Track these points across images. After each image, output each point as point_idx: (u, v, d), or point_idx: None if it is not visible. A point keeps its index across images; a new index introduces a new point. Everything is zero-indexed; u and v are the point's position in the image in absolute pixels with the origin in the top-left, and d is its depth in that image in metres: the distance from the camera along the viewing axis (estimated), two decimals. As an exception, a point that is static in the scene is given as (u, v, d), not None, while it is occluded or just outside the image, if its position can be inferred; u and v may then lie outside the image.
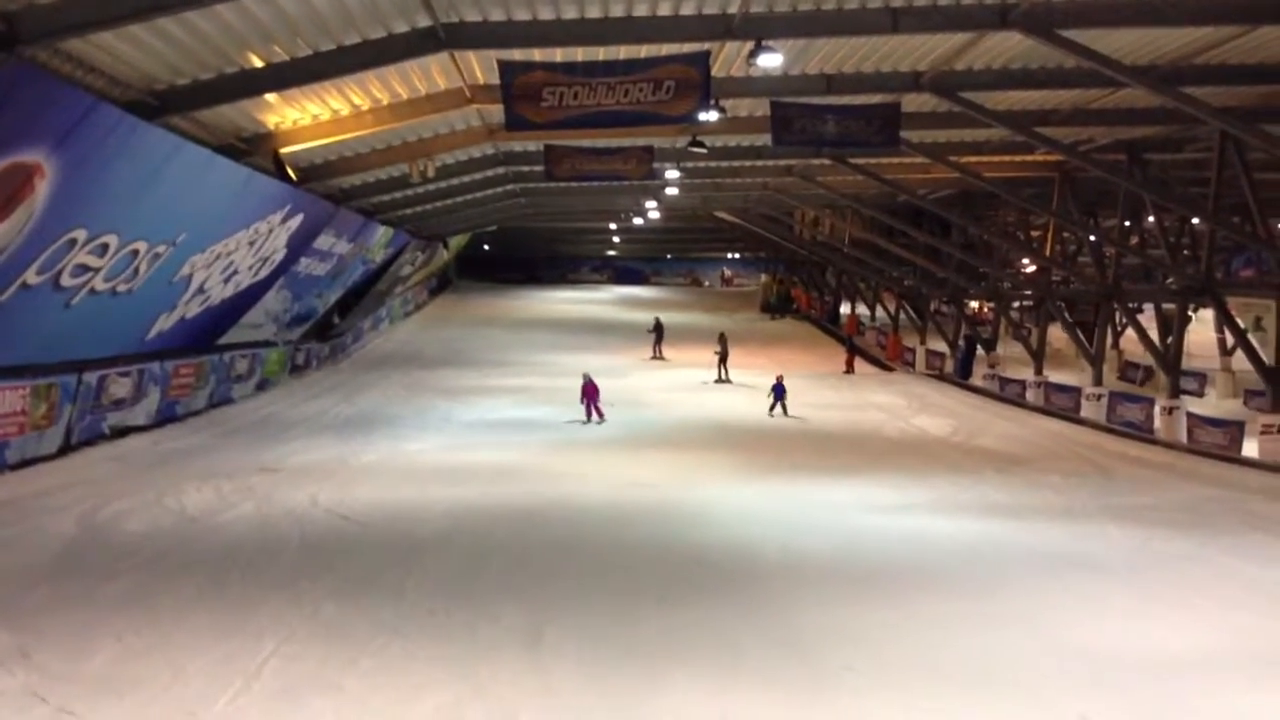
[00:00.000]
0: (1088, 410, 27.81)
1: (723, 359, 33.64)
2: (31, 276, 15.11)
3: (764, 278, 61.81)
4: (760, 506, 16.18)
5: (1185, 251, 31.86)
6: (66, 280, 16.04)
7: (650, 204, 40.42)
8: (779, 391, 26.64)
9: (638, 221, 49.32)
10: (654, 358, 39.15)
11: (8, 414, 16.68)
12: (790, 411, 27.01)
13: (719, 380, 33.13)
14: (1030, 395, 30.95)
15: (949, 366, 37.12)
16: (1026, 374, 32.28)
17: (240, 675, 8.39)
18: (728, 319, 48.64)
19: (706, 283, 70.33)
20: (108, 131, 13.92)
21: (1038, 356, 32.22)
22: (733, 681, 8.34)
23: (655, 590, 11.11)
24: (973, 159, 26.90)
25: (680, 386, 31.97)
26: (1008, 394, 32.00)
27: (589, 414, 24.65)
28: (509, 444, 21.50)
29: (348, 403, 27.37)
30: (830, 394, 31.49)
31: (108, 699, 7.77)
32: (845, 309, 50.58)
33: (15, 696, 7.83)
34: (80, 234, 15.41)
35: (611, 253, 70.39)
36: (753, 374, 34.42)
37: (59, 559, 12.16)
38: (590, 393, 24.89)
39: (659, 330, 40.52)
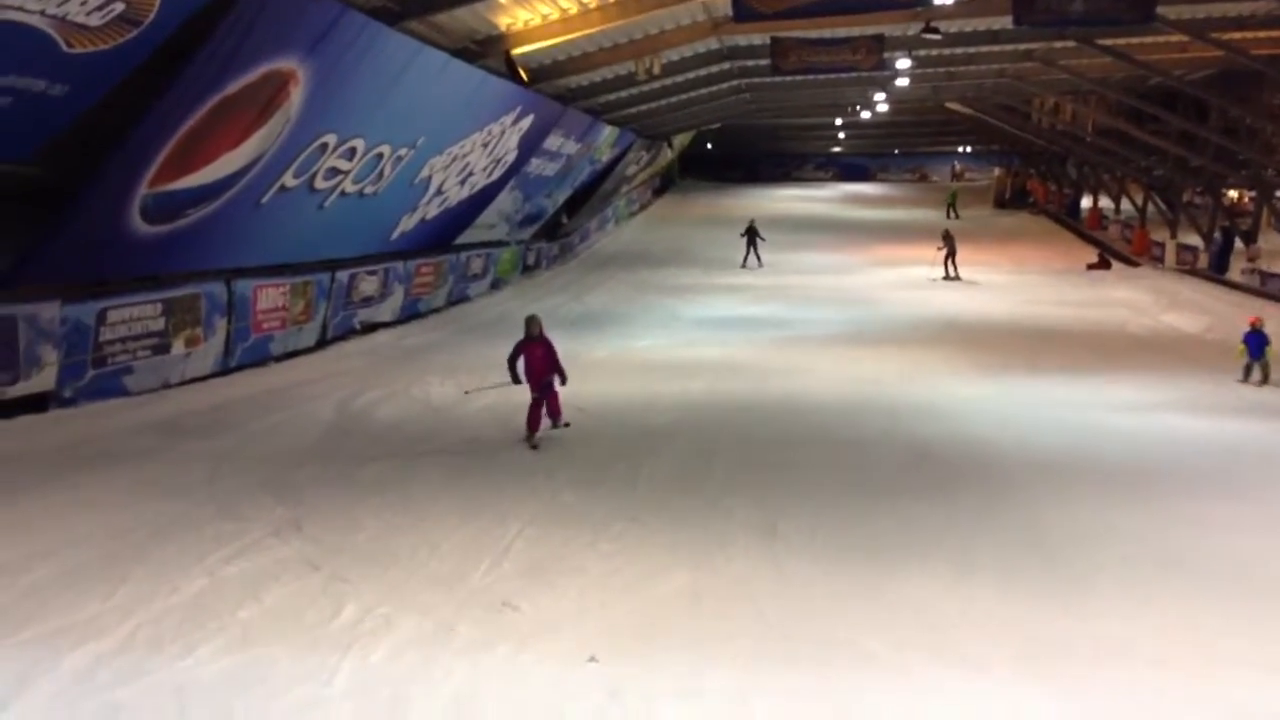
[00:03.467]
0: (1361, 306, 25.62)
1: (950, 255, 32.55)
2: (289, 179, 16.04)
3: (997, 171, 59.25)
4: (995, 404, 15.75)
5: None
6: (320, 183, 16.95)
7: (878, 97, 39.18)
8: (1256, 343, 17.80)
9: (864, 116, 47.96)
10: (947, 277, 32.33)
11: (271, 309, 17.91)
12: (1026, 307, 26.01)
13: (947, 277, 32.17)
14: (1293, 290, 28.72)
15: (1202, 261, 34.81)
16: (1290, 268, 29.96)
17: (490, 553, 8.86)
18: (955, 218, 46.99)
19: (935, 179, 68.02)
20: (353, 38, 14.50)
21: (1304, 249, 29.81)
22: (969, 577, 8.23)
23: (887, 486, 11.03)
24: (1236, 35, 24.79)
25: (908, 284, 31.25)
26: (1269, 289, 29.79)
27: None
28: (734, 340, 21.59)
29: (577, 301, 28.03)
30: (1071, 291, 30.14)
31: (373, 569, 8.37)
32: (1086, 202, 48.03)
33: (293, 563, 8.54)
34: (331, 138, 16.21)
35: (836, 149, 68.75)
36: (984, 270, 33.29)
37: (321, 442, 13.08)
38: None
39: (950, 242, 32.95)
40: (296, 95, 14.48)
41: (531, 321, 13.06)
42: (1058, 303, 27.64)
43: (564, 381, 13.04)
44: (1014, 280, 32.25)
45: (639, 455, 12.27)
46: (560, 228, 35.82)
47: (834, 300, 27.73)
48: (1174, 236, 37.69)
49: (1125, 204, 44.54)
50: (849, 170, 68.53)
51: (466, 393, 14.67)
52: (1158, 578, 8.11)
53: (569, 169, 30.34)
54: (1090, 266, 35.80)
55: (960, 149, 67.69)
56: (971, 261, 33.76)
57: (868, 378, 17.69)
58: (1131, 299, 28.50)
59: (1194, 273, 34.04)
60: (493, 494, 10.78)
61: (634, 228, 46.36)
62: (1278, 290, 29.47)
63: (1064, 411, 15.27)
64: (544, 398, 12.91)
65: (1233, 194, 37.35)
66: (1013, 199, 53.18)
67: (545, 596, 7.73)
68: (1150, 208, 40.65)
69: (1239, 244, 34.28)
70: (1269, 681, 6.03)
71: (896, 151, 68.76)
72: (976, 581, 8.11)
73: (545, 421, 13.09)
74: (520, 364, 12.96)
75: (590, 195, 36.22)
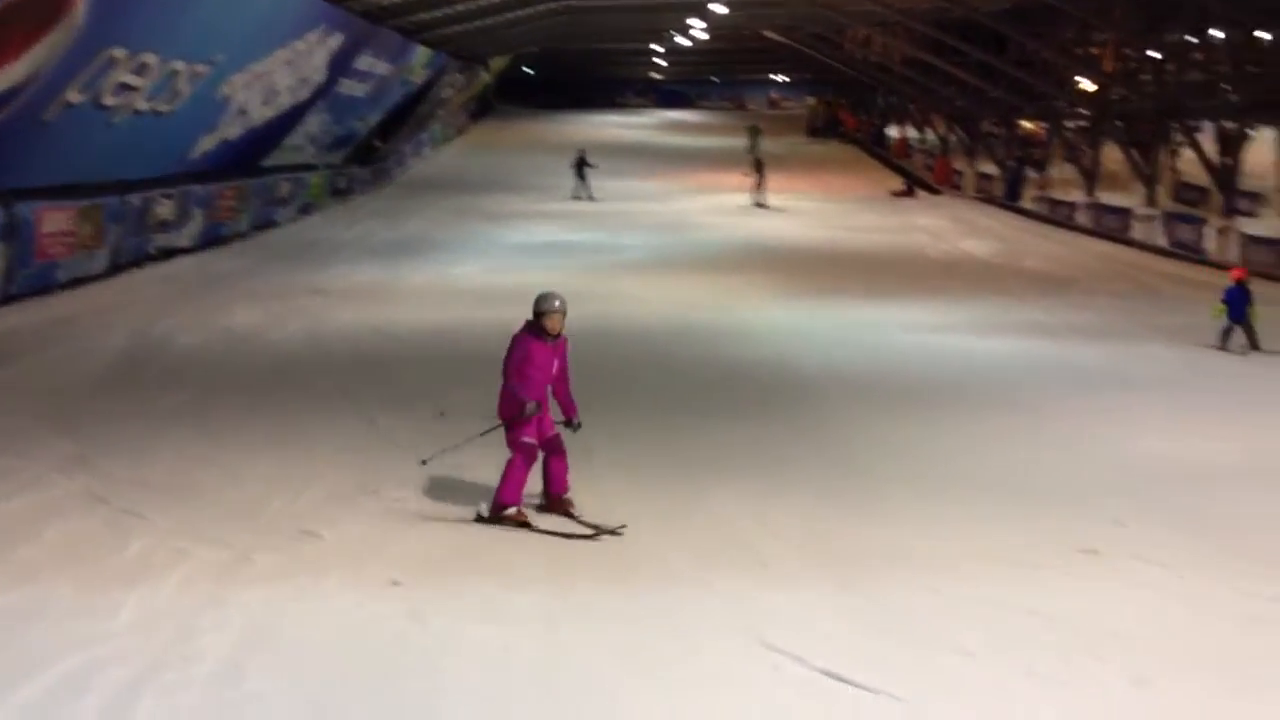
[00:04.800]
0: (1138, 231, 27.31)
1: (760, 182, 32.91)
2: (74, 95, 15.08)
3: (810, 101, 60.36)
4: (805, 326, 16.21)
5: (1249, 67, 30.62)
6: (108, 99, 16.00)
7: (696, 23, 39.29)
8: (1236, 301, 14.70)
9: (682, 42, 48.03)
10: (759, 205, 32.42)
11: (57, 234, 16.88)
12: (833, 233, 26.76)
13: (759, 205, 32.62)
14: (1080, 217, 30.39)
15: (998, 189, 36.42)
16: (1077, 196, 31.64)
17: (294, 482, 8.64)
18: (772, 142, 47.77)
19: (752, 107, 68.83)
20: (142, -55, 13.68)
21: (1090, 178, 31.50)
22: (778, 493, 8.45)
23: (701, 408, 11.23)
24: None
25: (724, 211, 31.68)
26: (1057, 216, 31.44)
27: None
28: (553, 267, 21.51)
29: (391, 227, 27.41)
30: (877, 218, 31.10)
31: (167, 502, 8.05)
32: (893, 132, 49.48)
33: (78, 498, 8.14)
34: (120, 53, 15.29)
35: (655, 76, 68.79)
36: (796, 198, 33.99)
37: (112, 373, 12.48)
38: None
39: (760, 169, 33.14)
40: (81, 7, 13.57)
41: (549, 306, 7.69)
42: (864, 229, 28.50)
43: (577, 424, 7.91)
44: (824, 207, 33.05)
45: (450, 382, 12.13)
46: (374, 152, 34.84)
47: (653, 227, 27.89)
48: (973, 166, 39.25)
49: (929, 133, 46.10)
50: (669, 97, 68.61)
51: (424, 462, 8.33)
52: (946, 488, 8.50)
53: (381, 91, 29.47)
54: (895, 194, 36.98)
55: (776, 78, 68.61)
56: (783, 189, 34.42)
57: (684, 302, 17.93)
58: (933, 225, 29.60)
59: (990, 200, 35.60)
60: (300, 422, 10.51)
61: (452, 153, 45.46)
62: (1064, 217, 31.14)
63: (868, 333, 15.84)
64: (548, 448, 7.78)
65: (1027, 125, 38.97)
66: (825, 128, 54.33)
67: (349, 524, 7.60)
68: (952, 138, 42.18)
69: (1031, 173, 35.98)
70: (1035, 577, 6.43)
71: (714, 79, 69.20)
72: (784, 497, 8.34)
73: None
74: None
75: (405, 119, 35.31)
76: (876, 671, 5.10)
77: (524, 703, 4.96)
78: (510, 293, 18.33)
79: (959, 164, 40.17)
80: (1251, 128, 27.90)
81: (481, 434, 8.14)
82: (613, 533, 7.33)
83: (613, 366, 13.00)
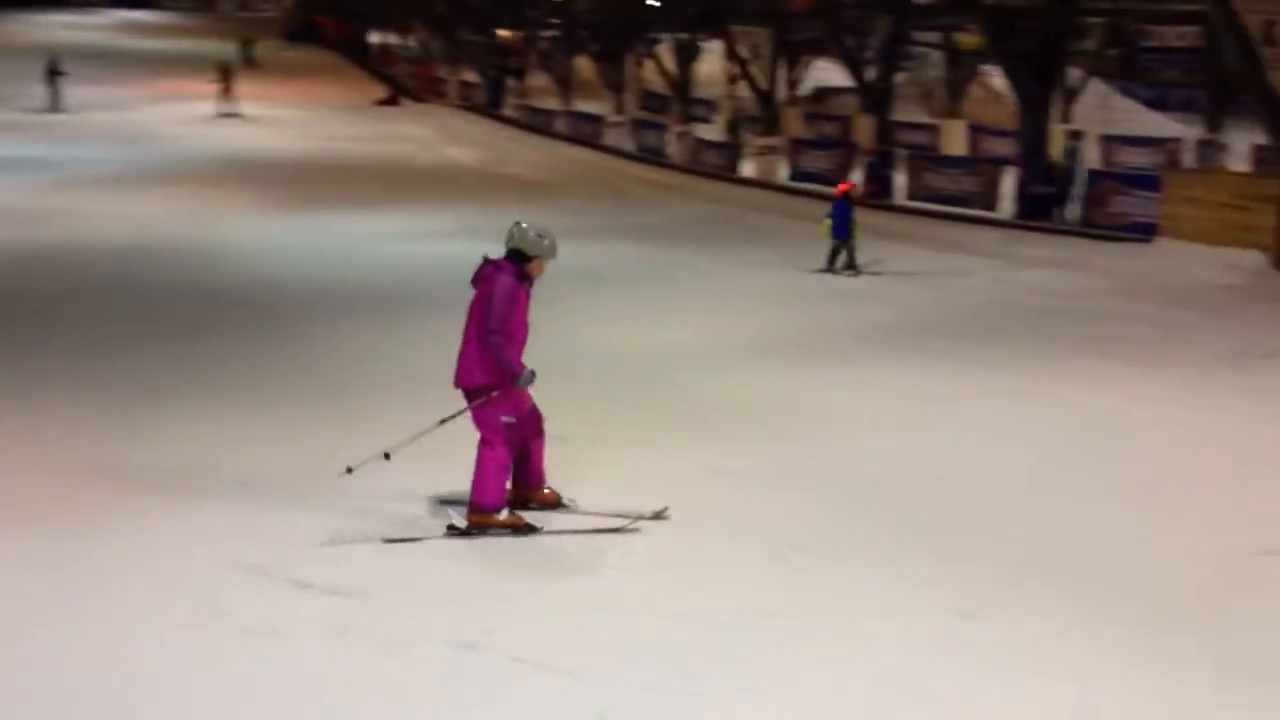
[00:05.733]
0: (610, 137, 29.01)
1: (228, 89, 31.19)
2: None
3: (286, 2, 57.72)
4: (284, 240, 15.71)
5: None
6: None
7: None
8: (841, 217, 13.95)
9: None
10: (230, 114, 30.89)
11: None
12: (317, 143, 26.01)
13: (229, 115, 30.80)
14: (558, 124, 31.75)
15: (481, 97, 37.08)
16: (554, 104, 32.97)
17: None
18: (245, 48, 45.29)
19: (224, 8, 64.60)
20: None
21: (565, 86, 32.92)
22: (258, 408, 8.21)
23: (171, 330, 10.56)
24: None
25: (193, 120, 29.71)
26: (537, 124, 32.63)
27: None
28: (6, 186, 19.20)
29: None
30: (361, 127, 30.59)
31: None
32: (375, 38, 48.63)
33: None
34: None
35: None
36: (274, 106, 32.58)
37: None
38: None
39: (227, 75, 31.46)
40: None
41: (542, 249, 5.95)
42: (349, 138, 27.95)
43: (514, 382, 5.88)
44: (305, 116, 31.97)
45: None
46: None
47: (111, 138, 25.60)
48: (455, 73, 39.58)
49: (412, 41, 45.82)
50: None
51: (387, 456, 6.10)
52: (426, 390, 8.62)
53: None
54: (379, 102, 36.54)
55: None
56: (260, 97, 32.86)
57: (151, 220, 16.70)
58: (418, 134, 29.65)
59: (474, 108, 36.21)
60: None
61: None
62: (544, 124, 32.40)
63: (354, 244, 15.63)
64: (527, 428, 6.06)
65: (505, 33, 39.82)
66: (303, 32, 52.25)
67: None
68: (434, 45, 42.23)
69: (511, 81, 36.95)
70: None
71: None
72: (263, 413, 8.12)
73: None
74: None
75: None
76: (338, 569, 5.15)
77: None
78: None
79: (442, 72, 40.36)
80: (702, 40, 30.44)
81: (443, 420, 6.05)
82: (659, 516, 5.80)
83: (79, 292, 11.89)
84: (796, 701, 4.11)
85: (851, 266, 13.70)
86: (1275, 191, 12.92)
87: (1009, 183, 17.81)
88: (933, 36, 28.09)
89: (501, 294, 5.75)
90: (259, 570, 5.26)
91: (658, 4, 30.79)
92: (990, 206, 17.75)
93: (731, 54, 27.60)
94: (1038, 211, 16.85)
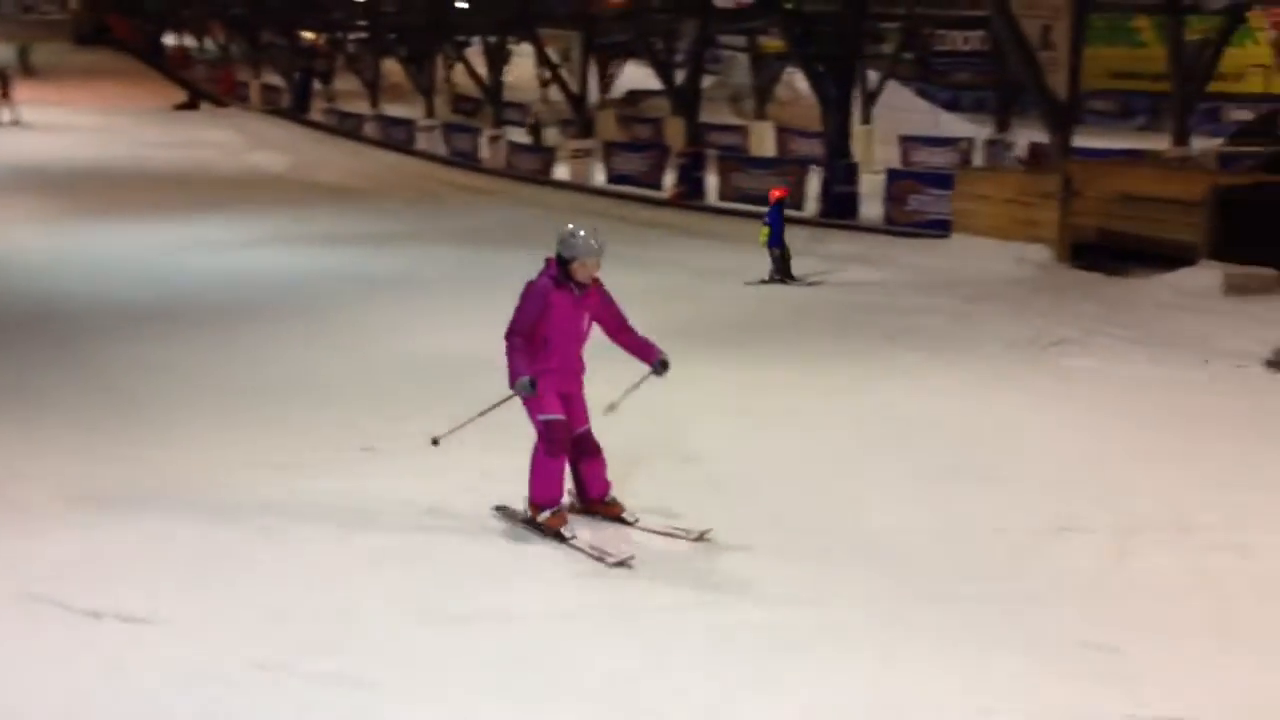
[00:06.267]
0: (422, 142, 28.63)
1: (4, 96, 29.54)
2: None
3: (73, 4, 54.86)
4: (76, 254, 14.97)
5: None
6: None
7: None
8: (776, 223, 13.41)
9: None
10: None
11: None
12: (113, 150, 24.84)
13: (12, 123, 29.15)
14: (368, 129, 31.14)
15: (286, 101, 36.07)
16: (364, 108, 32.33)
17: None
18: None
19: (8, 9, 60.88)
20: None
21: (374, 89, 32.31)
22: (40, 422, 7.81)
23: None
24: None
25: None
26: (346, 128, 31.92)
27: None
28: None
29: None
30: (158, 132, 29.42)
31: None
32: (170, 40, 46.74)
33: None
34: None
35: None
36: (64, 113, 30.98)
37: None
38: None
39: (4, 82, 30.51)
40: None
41: (584, 248, 5.64)
42: (147, 144, 26.84)
43: (659, 364, 5.74)
44: (98, 122, 30.53)
45: None
46: None
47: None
48: (258, 77, 38.40)
49: (210, 43, 44.25)
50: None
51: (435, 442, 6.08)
52: (230, 403, 8.34)
53: None
54: (179, 107, 35.19)
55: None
56: (51, 102, 31.22)
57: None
58: (221, 139, 28.67)
59: (279, 112, 35.18)
60: None
61: None
62: (353, 129, 31.72)
63: (152, 254, 15.01)
64: (579, 448, 5.77)
65: (309, 35, 38.82)
66: (94, 34, 49.75)
67: None
68: (233, 47, 40.87)
69: (318, 85, 36.08)
70: (310, 477, 6.59)
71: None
72: (47, 425, 7.74)
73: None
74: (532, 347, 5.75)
75: None
76: (150, 601, 4.93)
77: None
78: None
79: (243, 75, 39.09)
80: (513, 44, 30.33)
81: (483, 412, 5.90)
82: (701, 538, 5.50)
83: None
84: (608, 696, 4.14)
85: (787, 275, 13.19)
86: (1055, 189, 13.70)
87: (815, 182, 18.36)
88: (739, 40, 28.76)
89: (529, 296, 5.65)
90: (48, 599, 4.99)
91: (465, 6, 30.55)
92: (797, 205, 18.26)
93: (542, 57, 27.61)
94: (841, 210, 17.44)
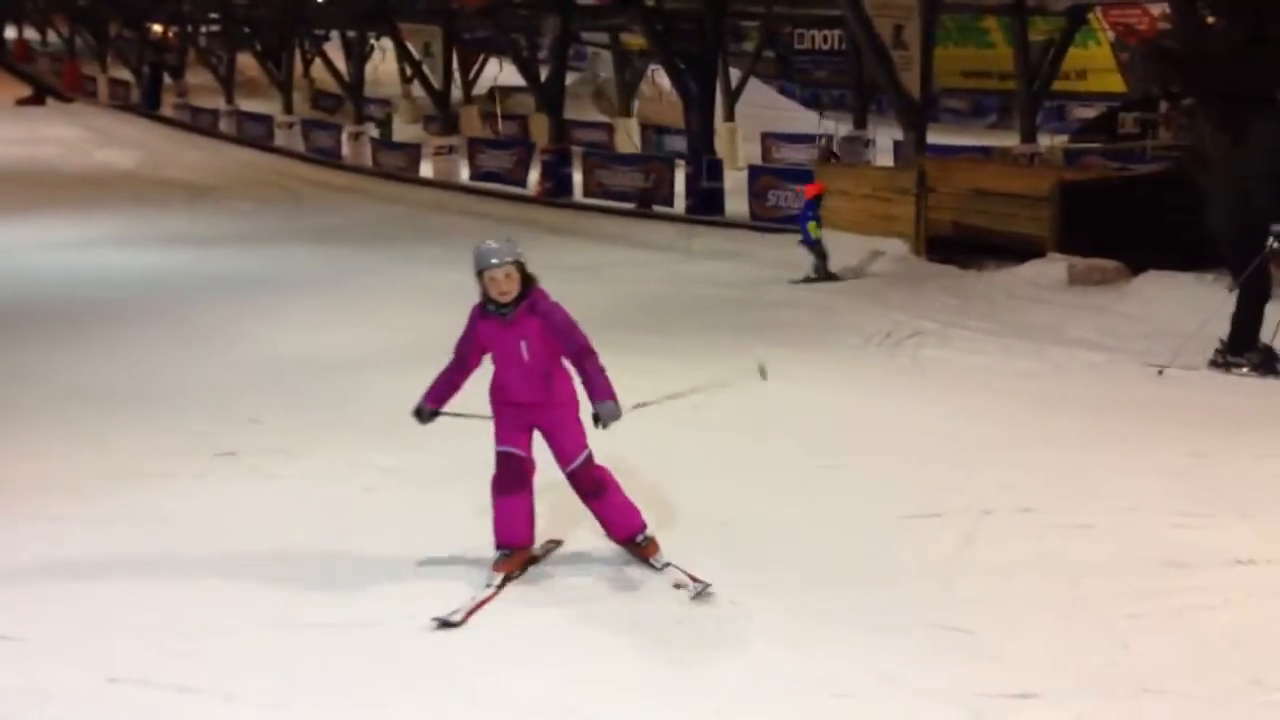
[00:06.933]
0: (280, 138, 27.99)
1: None
2: None
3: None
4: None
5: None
6: None
7: None
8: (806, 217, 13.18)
9: None
10: None
11: None
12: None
13: None
14: (223, 124, 30.30)
15: (135, 96, 34.84)
16: (219, 103, 31.42)
17: None
18: None
19: None
20: None
21: (228, 85, 31.43)
22: None
23: None
24: None
25: None
26: (199, 124, 31.02)
27: None
28: None
29: None
30: (1, 128, 28.10)
31: None
32: (10, 33, 44.74)
33: None
34: None
35: None
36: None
37: None
38: None
39: None
40: None
41: (483, 261, 4.86)
42: (-14, 141, 25.65)
43: (603, 415, 4.91)
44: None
45: None
46: None
47: None
48: (105, 71, 37.02)
49: (53, 35, 42.49)
50: None
51: None
52: (78, 408, 8.03)
53: None
54: (22, 101, 33.73)
55: None
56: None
57: None
58: (66, 135, 27.59)
59: (128, 108, 33.97)
60: None
61: None
62: (208, 125, 30.83)
63: (-8, 257, 14.40)
64: (577, 485, 5.08)
65: (158, 28, 37.52)
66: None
67: None
68: (79, 40, 39.33)
69: (168, 79, 34.95)
70: (170, 486, 6.37)
71: None
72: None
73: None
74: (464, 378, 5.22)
75: None
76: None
77: None
78: None
79: (90, 69, 37.63)
80: (373, 38, 29.83)
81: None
82: (704, 590, 4.78)
83: None
84: (497, 694, 4.12)
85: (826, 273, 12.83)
86: (911, 185, 14.08)
87: (680, 179, 18.52)
88: (602, 37, 28.83)
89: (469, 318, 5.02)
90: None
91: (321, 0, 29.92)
92: (666, 202, 18.41)
93: (402, 52, 27.23)
94: (708, 206, 17.64)
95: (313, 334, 10.63)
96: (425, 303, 12.03)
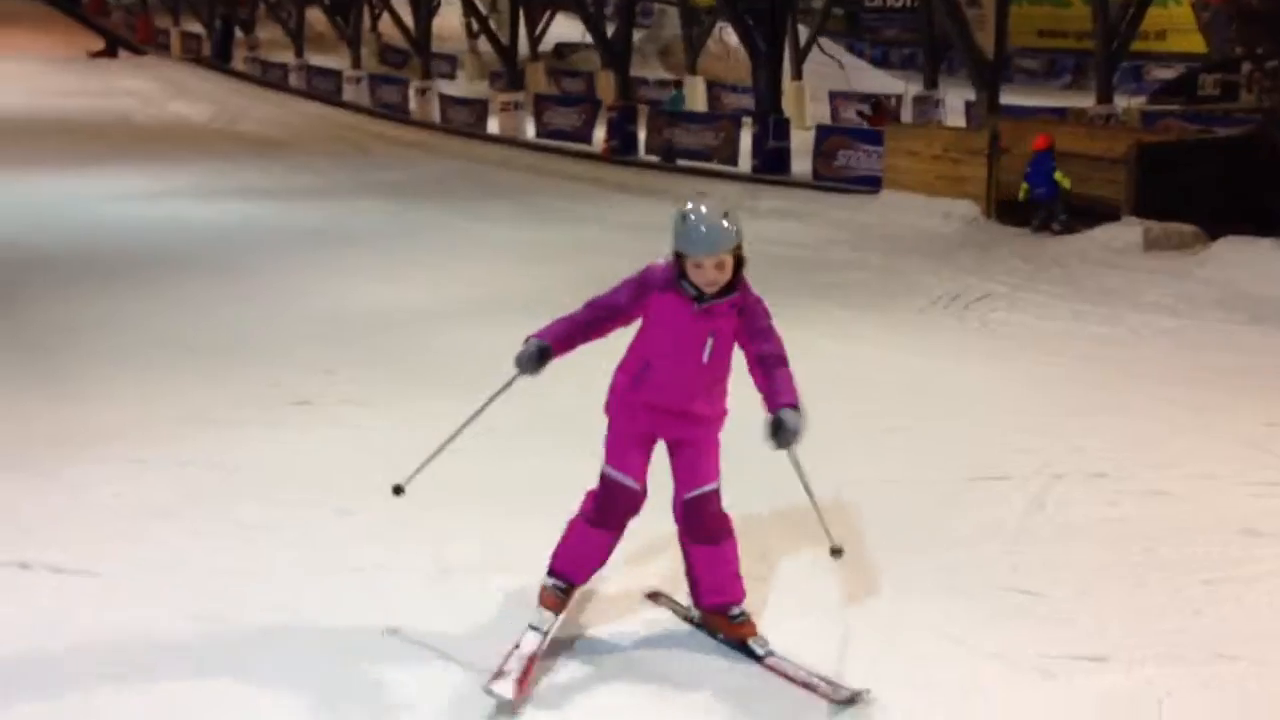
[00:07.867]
0: (349, 93, 28.17)
1: None
2: None
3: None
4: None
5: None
6: None
7: None
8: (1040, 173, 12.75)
9: None
10: None
11: None
12: (25, 99, 24.08)
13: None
14: (293, 79, 30.55)
15: (207, 50, 35.22)
16: (288, 57, 31.68)
17: None
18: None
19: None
20: None
21: (298, 39, 31.66)
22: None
23: None
24: None
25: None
26: (270, 78, 31.29)
27: None
28: None
29: None
30: (74, 81, 28.61)
31: None
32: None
33: None
34: None
35: None
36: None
37: None
38: None
39: None
40: None
41: (693, 240, 3.75)
42: (62, 93, 26.09)
43: (782, 436, 4.05)
44: (10, 70, 29.63)
45: None
46: None
47: None
48: (177, 24, 37.45)
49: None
50: None
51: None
52: (156, 356, 8.17)
53: None
54: (95, 54, 34.23)
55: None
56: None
57: None
58: (139, 88, 27.96)
59: (200, 61, 34.36)
60: None
61: None
62: (278, 79, 31.10)
63: (71, 207, 14.68)
64: (685, 521, 4.07)
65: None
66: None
67: None
68: (152, -6, 39.75)
69: (240, 34, 35.27)
70: (243, 434, 6.49)
71: None
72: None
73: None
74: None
75: None
76: (72, 553, 4.85)
77: None
78: None
79: (163, 22, 38.08)
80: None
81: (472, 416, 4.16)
82: (854, 699, 3.70)
83: None
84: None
85: (1052, 220, 12.55)
86: (983, 145, 13.87)
87: (747, 138, 18.37)
88: (670, -7, 28.58)
89: (630, 279, 3.93)
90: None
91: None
92: (731, 161, 18.30)
93: (469, 7, 27.22)
94: (774, 166, 17.49)
95: (383, 287, 10.72)
96: (495, 258, 12.12)
